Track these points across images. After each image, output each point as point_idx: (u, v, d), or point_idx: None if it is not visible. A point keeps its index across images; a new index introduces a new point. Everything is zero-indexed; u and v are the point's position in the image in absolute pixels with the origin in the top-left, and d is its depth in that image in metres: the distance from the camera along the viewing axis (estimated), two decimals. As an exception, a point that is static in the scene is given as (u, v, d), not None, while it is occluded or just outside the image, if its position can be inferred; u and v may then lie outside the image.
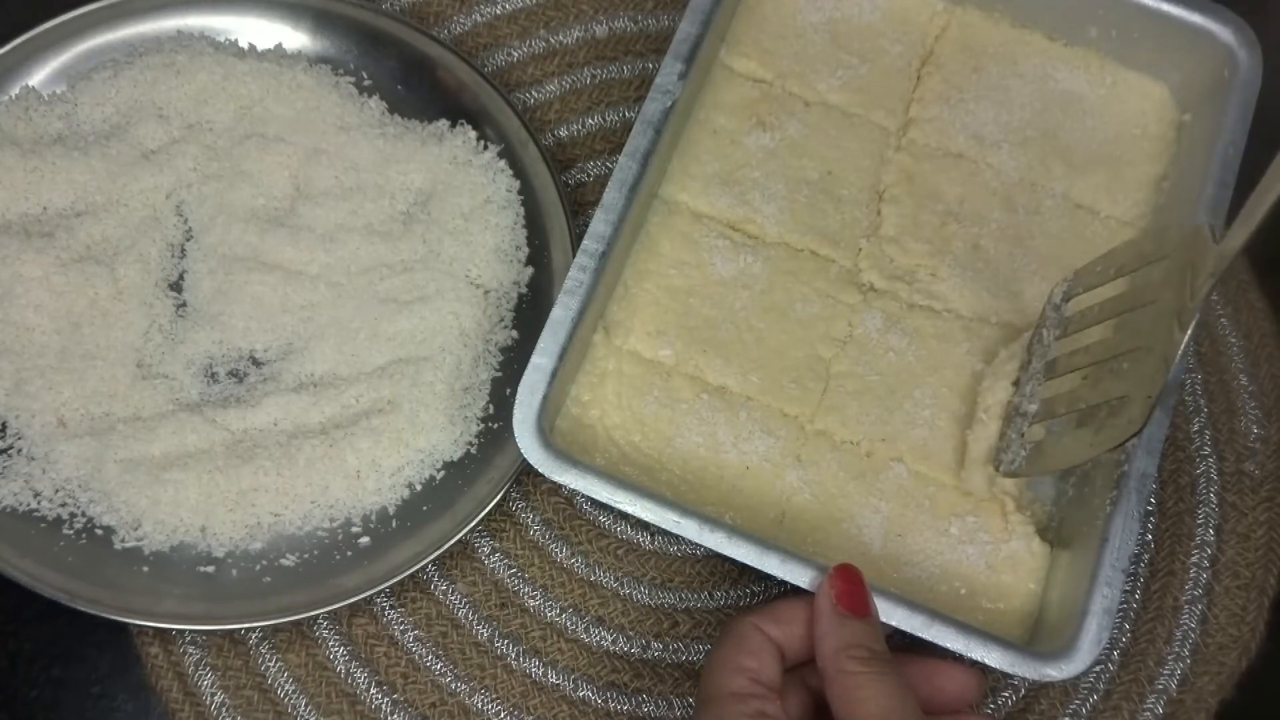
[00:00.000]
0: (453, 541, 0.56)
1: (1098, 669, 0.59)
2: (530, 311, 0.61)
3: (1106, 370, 0.51)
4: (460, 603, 0.59)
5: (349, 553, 0.57)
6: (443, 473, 0.59)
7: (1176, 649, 0.60)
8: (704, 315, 0.57)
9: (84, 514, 0.56)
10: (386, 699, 0.58)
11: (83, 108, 0.62)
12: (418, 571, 0.56)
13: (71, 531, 0.56)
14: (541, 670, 0.58)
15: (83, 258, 0.60)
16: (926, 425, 0.56)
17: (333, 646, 0.58)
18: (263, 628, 0.57)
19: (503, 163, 0.63)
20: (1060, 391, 0.52)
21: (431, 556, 0.56)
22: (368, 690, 0.58)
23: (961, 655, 0.49)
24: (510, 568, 0.60)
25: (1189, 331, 0.47)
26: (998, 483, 0.54)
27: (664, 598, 0.60)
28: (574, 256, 0.53)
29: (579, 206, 0.65)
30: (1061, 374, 0.52)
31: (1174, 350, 0.47)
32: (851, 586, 0.48)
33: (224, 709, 0.57)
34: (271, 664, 0.58)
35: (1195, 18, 0.59)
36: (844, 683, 0.46)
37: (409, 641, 0.59)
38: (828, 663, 0.47)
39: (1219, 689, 0.59)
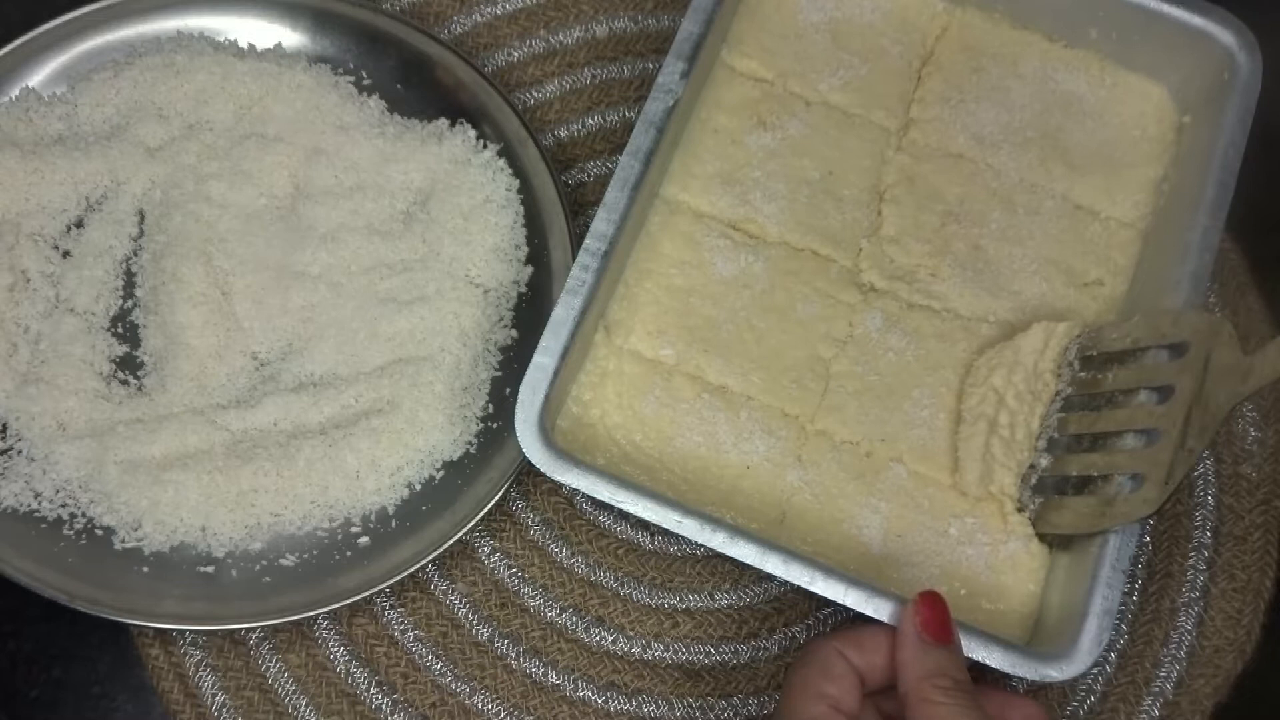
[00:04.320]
0: (452, 541, 0.56)
1: (1095, 671, 0.59)
2: (529, 311, 0.61)
3: (1115, 440, 0.51)
4: (460, 603, 0.59)
5: (348, 553, 0.57)
6: (442, 472, 0.59)
7: (1173, 651, 0.60)
8: (705, 315, 0.57)
9: (84, 514, 0.56)
10: (386, 699, 0.58)
11: (83, 108, 0.62)
12: (418, 571, 0.56)
13: (72, 532, 0.56)
14: (541, 670, 0.58)
15: (83, 257, 0.60)
16: (926, 425, 0.56)
17: (333, 646, 0.58)
18: (263, 628, 0.57)
19: (502, 161, 0.63)
20: (1070, 455, 0.53)
21: (431, 556, 0.56)
22: (368, 690, 0.58)
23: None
24: (510, 568, 0.60)
25: (1207, 440, 0.48)
26: (994, 483, 0.54)
27: (664, 598, 0.60)
28: (574, 256, 0.53)
29: (579, 206, 0.65)
30: (1074, 432, 0.53)
31: (1193, 455, 0.48)
32: (936, 614, 0.47)
33: (225, 709, 0.57)
34: (272, 664, 0.58)
35: (1195, 20, 0.59)
36: (927, 712, 0.45)
37: (409, 641, 0.59)
38: (911, 690, 0.46)
39: (1215, 691, 0.59)
